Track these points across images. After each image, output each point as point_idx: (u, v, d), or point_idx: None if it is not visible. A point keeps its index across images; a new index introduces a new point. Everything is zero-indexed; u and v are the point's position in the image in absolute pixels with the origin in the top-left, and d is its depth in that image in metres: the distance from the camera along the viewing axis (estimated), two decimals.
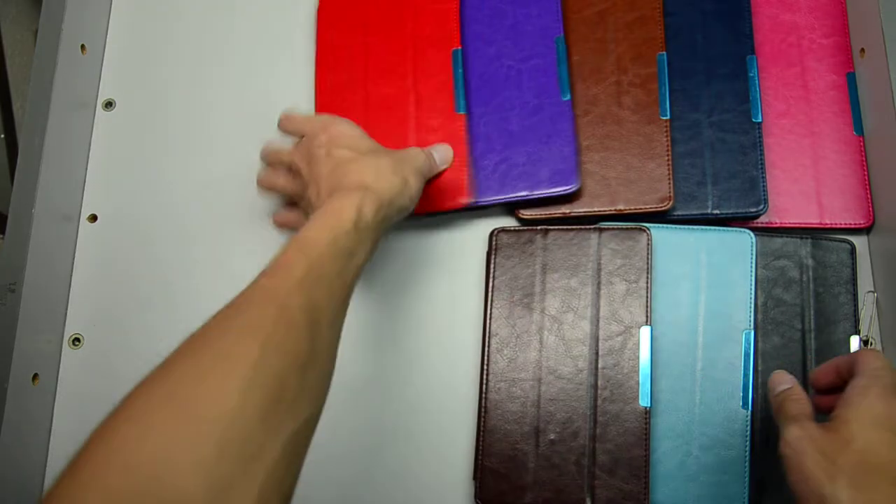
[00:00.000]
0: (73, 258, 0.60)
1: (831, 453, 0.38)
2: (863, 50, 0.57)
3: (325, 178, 0.46)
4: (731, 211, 0.54)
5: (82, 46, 0.62)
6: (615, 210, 0.55)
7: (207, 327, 0.35)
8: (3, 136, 0.77)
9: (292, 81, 0.63)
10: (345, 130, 0.48)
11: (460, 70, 0.57)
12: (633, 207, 0.55)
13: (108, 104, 0.64)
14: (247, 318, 0.35)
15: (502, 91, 0.57)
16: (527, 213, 0.56)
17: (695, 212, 0.55)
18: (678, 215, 0.55)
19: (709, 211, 0.55)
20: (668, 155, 0.55)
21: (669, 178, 0.55)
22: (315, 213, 0.42)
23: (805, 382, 0.52)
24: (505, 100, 0.57)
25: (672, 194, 0.54)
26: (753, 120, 0.56)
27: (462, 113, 0.57)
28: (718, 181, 0.55)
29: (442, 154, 0.53)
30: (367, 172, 0.45)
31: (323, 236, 0.39)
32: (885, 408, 0.39)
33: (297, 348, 0.34)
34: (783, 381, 0.45)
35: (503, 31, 0.59)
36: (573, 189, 0.54)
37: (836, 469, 0.37)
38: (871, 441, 0.37)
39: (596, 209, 0.55)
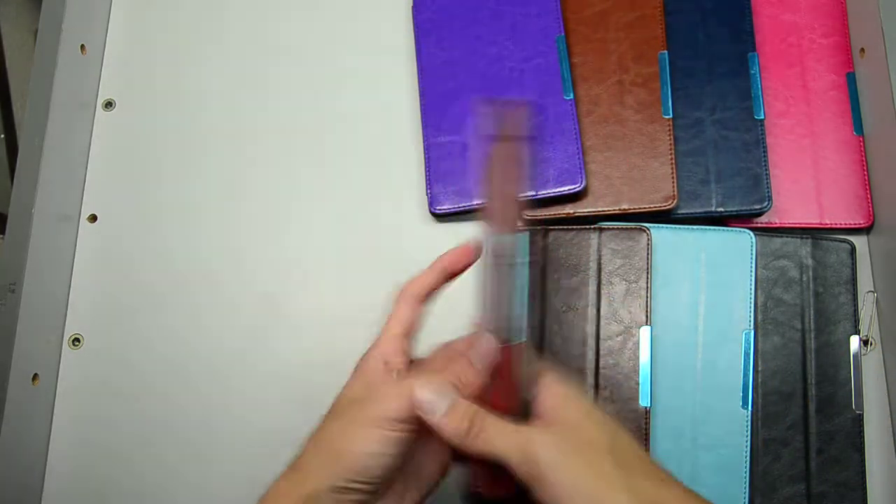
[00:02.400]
0: (73, 258, 0.60)
1: (583, 454, 0.34)
2: (863, 50, 0.57)
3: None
4: (735, 208, 0.54)
5: (82, 46, 0.62)
6: (619, 210, 0.55)
7: None
8: (3, 136, 0.77)
9: (292, 80, 0.63)
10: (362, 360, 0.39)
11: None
12: (637, 207, 0.55)
13: (108, 104, 0.64)
14: None
15: (505, 92, 0.58)
16: (530, 214, 0.56)
17: (699, 210, 0.55)
18: (682, 214, 0.55)
19: (713, 209, 0.55)
20: (671, 154, 0.55)
21: (673, 177, 0.55)
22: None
23: (805, 383, 0.52)
24: (511, 97, 0.58)
25: (676, 193, 0.54)
26: (756, 117, 0.56)
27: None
28: (722, 179, 0.55)
29: (481, 353, 0.37)
30: (331, 443, 0.35)
31: None
32: (563, 396, 0.36)
33: None
34: (438, 394, 0.35)
35: (504, 32, 0.59)
36: (580, 188, 0.55)
37: (601, 476, 0.33)
38: (592, 423, 0.35)
39: (600, 209, 0.55)
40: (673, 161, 0.55)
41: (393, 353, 0.39)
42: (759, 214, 0.55)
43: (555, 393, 0.36)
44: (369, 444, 0.34)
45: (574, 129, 0.56)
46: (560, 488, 0.33)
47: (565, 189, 0.55)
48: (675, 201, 0.54)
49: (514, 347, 0.37)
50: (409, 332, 0.40)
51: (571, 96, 0.56)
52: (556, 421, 0.35)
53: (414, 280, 0.40)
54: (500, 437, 0.34)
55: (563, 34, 0.58)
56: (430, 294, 0.40)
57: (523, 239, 0.38)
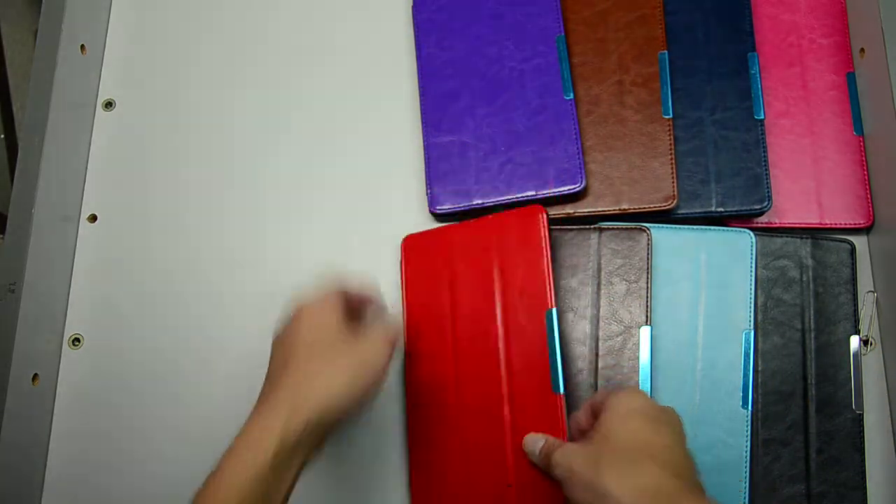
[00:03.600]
0: (73, 258, 0.60)
1: (595, 453, 0.39)
2: (863, 50, 0.57)
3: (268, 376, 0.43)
4: (735, 208, 0.54)
5: (82, 46, 0.62)
6: (619, 210, 0.55)
7: None
8: (3, 136, 0.77)
9: (292, 80, 0.63)
10: (314, 312, 0.43)
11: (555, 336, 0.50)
12: (637, 207, 0.54)
13: (108, 104, 0.64)
14: None
15: (505, 92, 0.57)
16: None
17: (699, 210, 0.55)
18: (682, 214, 0.55)
19: (713, 209, 0.55)
20: (671, 154, 0.55)
21: (673, 177, 0.55)
22: (237, 435, 0.39)
23: (805, 383, 0.52)
24: (508, 100, 0.57)
25: (676, 193, 0.54)
26: (756, 117, 0.56)
27: (560, 393, 0.48)
28: (722, 179, 0.55)
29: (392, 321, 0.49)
30: (312, 380, 0.40)
31: (233, 484, 0.36)
32: (640, 401, 0.41)
33: None
34: (535, 440, 0.46)
35: (503, 31, 0.59)
36: (579, 188, 0.54)
37: (600, 464, 0.38)
38: (629, 430, 0.39)
39: (600, 209, 0.55)
40: (673, 161, 0.55)
41: (339, 300, 0.44)
42: (760, 214, 0.55)
43: (604, 408, 0.42)
44: (356, 386, 0.40)
45: (574, 129, 0.56)
46: (566, 484, 0.40)
47: (565, 189, 0.55)
48: (675, 201, 0.54)
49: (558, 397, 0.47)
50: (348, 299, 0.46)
51: (571, 96, 0.56)
52: (597, 435, 0.41)
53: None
54: (555, 460, 0.42)
55: (563, 34, 0.57)
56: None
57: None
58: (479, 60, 0.59)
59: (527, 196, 0.55)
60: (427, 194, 0.57)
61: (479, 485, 0.49)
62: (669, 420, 0.41)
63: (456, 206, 0.56)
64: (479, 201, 0.56)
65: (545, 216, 0.52)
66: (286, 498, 0.39)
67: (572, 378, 0.52)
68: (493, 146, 0.56)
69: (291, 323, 0.43)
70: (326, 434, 0.40)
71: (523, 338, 0.50)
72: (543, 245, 0.51)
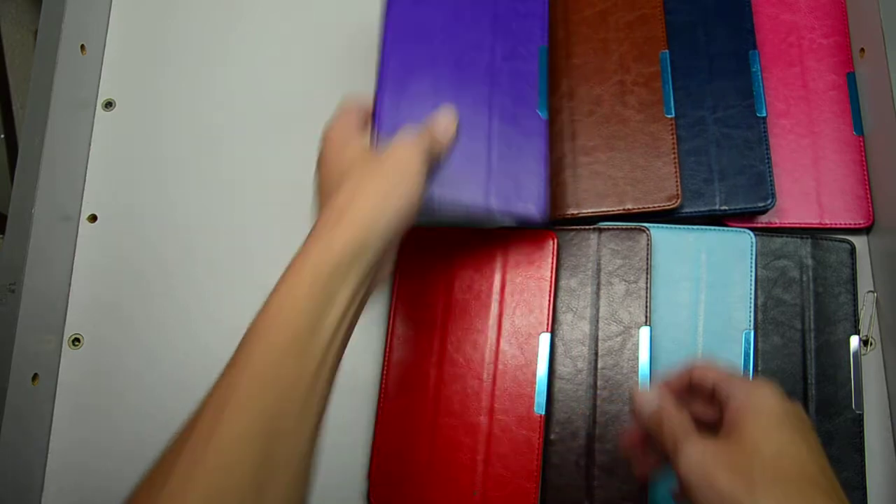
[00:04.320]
0: (73, 258, 0.60)
1: (743, 467, 0.34)
2: (863, 50, 0.57)
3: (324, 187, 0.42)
4: (739, 207, 0.54)
5: (82, 46, 0.62)
6: (623, 210, 0.55)
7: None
8: (3, 136, 0.77)
9: (291, 80, 0.63)
10: (336, 137, 0.43)
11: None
12: (641, 206, 0.54)
13: (108, 104, 0.64)
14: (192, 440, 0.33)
15: (480, 82, 0.51)
16: None
17: (703, 209, 0.55)
18: (686, 213, 0.55)
19: (717, 207, 0.55)
20: (674, 153, 0.55)
21: (676, 176, 0.54)
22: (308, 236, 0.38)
23: (805, 383, 0.52)
24: (482, 93, 0.51)
25: (680, 192, 0.54)
26: (758, 115, 0.56)
27: (541, 414, 0.50)
28: (725, 177, 0.55)
29: (443, 126, 0.45)
30: (359, 198, 0.39)
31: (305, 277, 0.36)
32: (781, 405, 0.36)
33: (242, 477, 0.31)
34: (649, 399, 0.41)
35: (487, 17, 0.53)
36: (538, 218, 0.50)
37: (753, 483, 0.33)
38: (779, 444, 0.35)
39: (604, 209, 0.55)
40: (676, 160, 0.55)
41: (358, 118, 0.44)
42: (764, 212, 0.55)
43: (742, 406, 0.37)
44: (411, 188, 0.39)
45: (543, 150, 0.51)
46: (698, 491, 0.34)
47: (521, 214, 0.50)
48: (679, 200, 0.54)
49: None
50: (363, 112, 0.46)
51: (546, 115, 0.52)
52: (739, 441, 0.36)
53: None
54: (670, 436, 0.38)
55: (546, 45, 0.53)
56: None
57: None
58: (456, 40, 0.51)
59: (478, 207, 0.49)
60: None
61: (442, 487, 0.49)
62: (809, 428, 0.36)
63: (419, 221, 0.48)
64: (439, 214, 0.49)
65: (556, 242, 0.53)
66: (342, 322, 0.36)
67: (572, 378, 0.52)
68: (466, 132, 0.49)
69: (322, 154, 0.43)
70: (379, 256, 0.38)
71: (514, 352, 0.51)
72: (551, 270, 0.52)
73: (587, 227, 0.54)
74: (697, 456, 0.35)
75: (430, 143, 0.42)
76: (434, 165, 0.44)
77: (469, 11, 0.52)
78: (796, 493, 0.33)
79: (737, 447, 0.35)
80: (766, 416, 0.36)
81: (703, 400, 0.41)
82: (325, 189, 0.41)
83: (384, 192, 0.39)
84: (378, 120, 0.48)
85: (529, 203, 0.50)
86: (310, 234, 0.39)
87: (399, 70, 0.49)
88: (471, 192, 0.49)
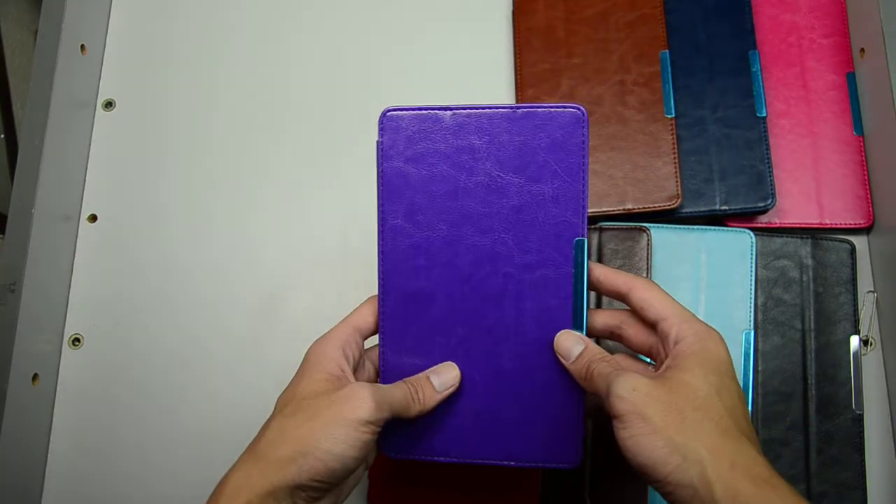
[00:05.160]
0: (73, 258, 0.60)
1: (675, 403, 0.33)
2: (863, 50, 0.57)
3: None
4: (739, 206, 0.54)
5: (82, 46, 0.62)
6: (624, 210, 0.55)
7: None
8: (3, 136, 0.77)
9: (292, 80, 0.63)
10: (311, 363, 0.39)
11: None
12: (641, 206, 0.54)
13: (108, 104, 0.64)
14: None
15: (493, 310, 0.41)
16: None
17: (703, 209, 0.55)
18: (687, 213, 0.55)
19: (717, 207, 0.55)
20: (674, 153, 0.55)
21: (677, 176, 0.55)
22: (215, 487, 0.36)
23: (805, 383, 0.52)
24: (496, 324, 0.41)
25: (680, 192, 0.54)
26: (758, 115, 0.56)
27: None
28: (726, 177, 0.55)
29: (443, 378, 0.40)
30: (280, 444, 0.35)
31: None
32: (727, 358, 0.36)
33: None
34: (574, 341, 0.39)
35: (503, 215, 0.41)
36: (573, 466, 0.41)
37: (684, 418, 0.33)
38: (715, 388, 0.34)
39: (604, 209, 0.55)
40: (676, 160, 0.55)
41: (348, 344, 0.40)
42: (764, 212, 0.55)
43: (688, 352, 0.36)
44: (340, 444, 0.35)
45: (580, 391, 0.41)
46: (630, 424, 0.33)
47: (557, 466, 0.41)
48: (679, 200, 0.54)
49: None
50: (365, 331, 0.42)
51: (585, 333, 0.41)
52: (673, 379, 0.35)
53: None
54: (600, 378, 0.36)
55: (584, 237, 0.40)
56: None
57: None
58: (464, 254, 0.41)
59: (501, 463, 0.42)
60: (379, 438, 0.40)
61: (442, 487, 0.46)
62: (737, 381, 0.37)
63: (413, 454, 0.42)
64: (444, 459, 0.42)
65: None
66: None
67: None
68: (472, 386, 0.41)
69: (297, 370, 0.40)
70: (315, 498, 0.36)
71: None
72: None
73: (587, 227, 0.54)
74: (629, 390, 0.34)
75: (401, 396, 0.39)
76: (406, 419, 0.39)
77: (478, 203, 0.41)
78: (723, 433, 0.33)
79: (673, 385, 0.34)
80: (709, 364, 0.35)
81: (641, 324, 0.40)
82: (274, 410, 0.38)
83: (304, 443, 0.35)
84: (382, 358, 0.42)
85: (559, 459, 0.41)
86: (231, 470, 0.36)
87: (398, 298, 0.42)
88: (489, 449, 0.42)
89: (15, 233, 0.54)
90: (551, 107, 0.40)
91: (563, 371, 0.40)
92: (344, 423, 0.35)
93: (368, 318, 0.42)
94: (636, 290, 0.39)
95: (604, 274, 0.41)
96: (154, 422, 0.56)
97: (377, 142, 0.41)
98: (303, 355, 0.41)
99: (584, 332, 0.41)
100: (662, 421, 0.33)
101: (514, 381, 0.41)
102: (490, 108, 0.40)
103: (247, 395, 0.56)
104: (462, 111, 0.41)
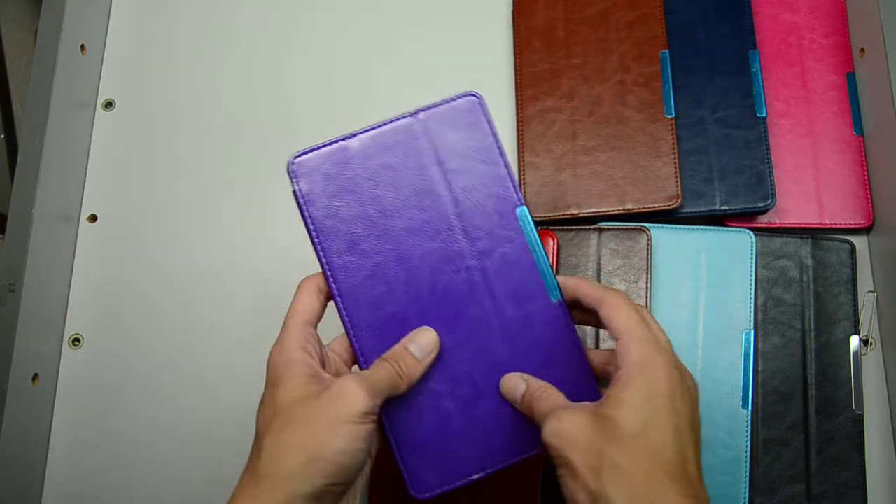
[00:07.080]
0: (73, 258, 0.60)
1: (600, 448, 0.32)
2: (863, 50, 0.57)
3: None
4: (739, 206, 0.54)
5: (82, 46, 0.62)
6: (624, 210, 0.55)
7: None
8: (3, 136, 0.77)
9: (292, 80, 0.63)
10: (277, 370, 0.37)
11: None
12: (641, 206, 0.54)
13: (108, 104, 0.64)
14: None
15: (468, 308, 0.40)
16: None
17: (703, 209, 0.55)
18: (686, 213, 0.55)
19: (717, 207, 0.55)
20: (674, 153, 0.55)
21: (677, 176, 0.55)
22: None
23: (805, 383, 0.52)
24: (476, 321, 0.40)
25: (680, 192, 0.54)
26: (758, 115, 0.56)
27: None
28: (725, 177, 0.55)
29: (421, 344, 0.39)
30: (279, 460, 0.34)
31: None
32: (668, 385, 0.33)
33: None
34: (516, 385, 0.38)
35: (442, 213, 0.40)
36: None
37: (603, 463, 0.31)
38: (644, 424, 0.32)
39: (604, 209, 0.55)
40: (676, 160, 0.55)
41: (307, 342, 0.38)
42: (764, 212, 0.55)
43: (629, 375, 0.34)
44: (345, 441, 0.34)
45: (575, 341, 0.40)
46: (558, 467, 0.33)
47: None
48: (679, 200, 0.54)
49: None
50: (314, 321, 0.40)
51: (559, 296, 0.40)
52: (608, 411, 0.33)
53: (315, 274, 0.40)
54: (539, 416, 0.36)
55: (525, 206, 0.40)
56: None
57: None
58: (420, 265, 0.40)
59: (534, 452, 0.40)
60: (405, 479, 0.39)
61: None
62: (689, 408, 0.34)
63: (446, 483, 0.40)
64: (477, 474, 0.40)
65: (556, 242, 0.51)
66: None
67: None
68: (474, 387, 0.40)
69: (266, 383, 0.38)
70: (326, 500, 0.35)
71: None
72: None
73: (587, 227, 0.54)
74: (554, 434, 0.33)
75: (386, 375, 0.37)
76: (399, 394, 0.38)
77: (416, 210, 0.40)
78: (645, 479, 0.31)
79: (600, 423, 0.33)
80: (645, 397, 0.33)
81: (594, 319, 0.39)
82: (258, 429, 0.36)
83: (309, 450, 0.34)
84: (356, 345, 0.40)
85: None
86: (231, 499, 0.35)
87: (371, 329, 0.40)
88: (516, 440, 0.41)
89: (15, 233, 0.54)
90: (447, 100, 0.41)
91: (559, 329, 0.40)
92: (344, 420, 0.34)
93: (312, 304, 0.40)
94: (604, 306, 0.37)
95: (575, 285, 0.39)
96: (154, 422, 0.56)
97: (293, 192, 0.40)
98: None
99: (558, 293, 0.40)
100: (582, 465, 0.32)
101: (514, 366, 0.40)
102: (391, 122, 0.40)
103: (247, 395, 0.56)
104: (366, 134, 0.40)
